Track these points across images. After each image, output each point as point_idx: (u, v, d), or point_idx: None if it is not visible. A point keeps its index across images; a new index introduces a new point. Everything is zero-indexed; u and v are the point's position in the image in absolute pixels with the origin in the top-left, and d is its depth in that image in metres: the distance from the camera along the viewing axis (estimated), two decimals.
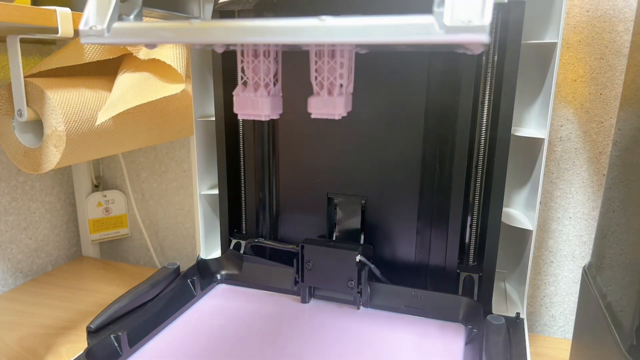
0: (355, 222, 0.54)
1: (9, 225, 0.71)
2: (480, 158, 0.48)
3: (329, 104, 0.35)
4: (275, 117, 0.39)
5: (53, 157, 0.51)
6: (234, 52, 0.38)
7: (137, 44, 0.32)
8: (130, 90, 0.54)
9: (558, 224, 0.62)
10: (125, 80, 0.56)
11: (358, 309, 0.51)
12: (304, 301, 0.53)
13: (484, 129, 0.48)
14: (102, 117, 0.51)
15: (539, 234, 0.63)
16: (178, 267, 0.54)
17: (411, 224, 0.52)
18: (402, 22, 0.25)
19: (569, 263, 0.63)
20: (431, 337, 0.46)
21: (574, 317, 0.63)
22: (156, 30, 0.30)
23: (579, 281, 0.49)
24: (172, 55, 0.55)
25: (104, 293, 0.71)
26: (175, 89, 0.55)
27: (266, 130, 0.55)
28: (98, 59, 0.55)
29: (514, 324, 0.47)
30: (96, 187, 0.83)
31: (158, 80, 0.57)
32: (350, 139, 0.52)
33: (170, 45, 0.55)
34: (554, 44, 0.45)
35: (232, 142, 0.57)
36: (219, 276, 0.57)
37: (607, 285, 0.41)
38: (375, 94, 0.50)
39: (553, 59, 0.45)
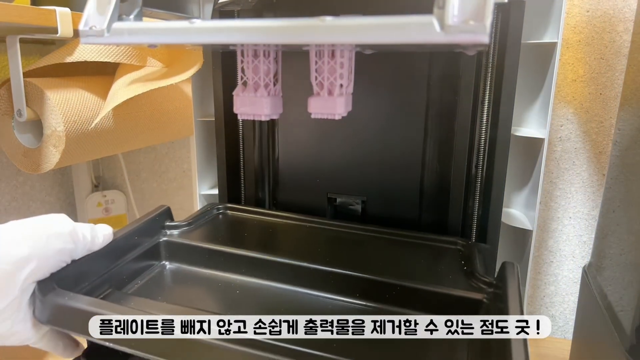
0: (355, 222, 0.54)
1: None
2: (480, 158, 0.48)
3: (329, 104, 0.35)
4: (276, 117, 0.39)
5: (52, 157, 0.51)
6: (234, 52, 0.38)
7: (137, 43, 0.32)
8: (134, 81, 0.54)
9: (558, 224, 0.62)
10: (127, 75, 0.56)
11: None
12: None
13: (484, 129, 0.48)
14: (107, 108, 0.51)
15: (539, 234, 0.63)
16: None
17: (411, 224, 0.52)
18: (403, 22, 0.25)
19: (569, 263, 0.63)
20: None
21: (574, 317, 0.63)
22: (156, 30, 0.30)
23: (579, 281, 0.49)
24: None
25: None
26: (186, 75, 0.55)
27: (266, 130, 0.55)
28: (96, 59, 0.55)
29: None
30: (96, 187, 0.83)
31: (164, 70, 0.57)
32: (350, 139, 0.52)
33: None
34: (554, 44, 0.45)
35: (232, 142, 0.57)
36: None
37: (607, 285, 0.41)
38: (376, 94, 0.50)
39: (553, 59, 0.45)
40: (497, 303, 0.34)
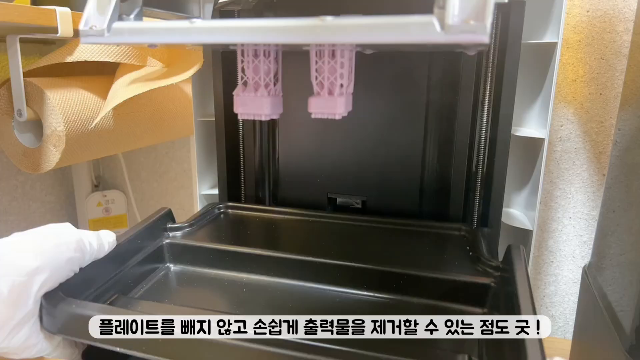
0: None
1: (9, 225, 0.71)
2: (481, 158, 0.48)
3: (330, 104, 0.35)
4: (276, 117, 0.39)
5: (52, 157, 0.51)
6: (234, 52, 0.38)
7: (138, 43, 0.32)
8: (134, 80, 0.54)
9: (558, 224, 0.62)
10: (127, 75, 0.56)
11: None
12: None
13: (484, 129, 0.48)
14: (107, 108, 0.51)
15: (539, 234, 0.63)
16: None
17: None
18: (403, 22, 0.25)
19: (569, 263, 0.63)
20: None
21: (574, 317, 0.63)
22: (156, 30, 0.30)
23: (579, 281, 0.49)
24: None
25: None
26: (186, 74, 0.55)
27: (266, 130, 0.55)
28: (96, 59, 0.55)
29: None
30: (96, 187, 0.83)
31: (164, 70, 0.57)
32: (350, 139, 0.52)
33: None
34: (554, 44, 0.45)
35: (232, 142, 0.57)
36: None
37: (607, 285, 0.41)
38: (376, 93, 0.50)
39: (553, 59, 0.45)
40: (506, 286, 0.34)
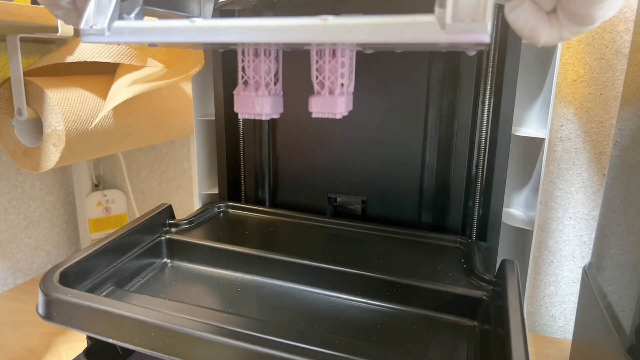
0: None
1: (8, 225, 0.71)
2: (481, 158, 0.48)
3: (330, 104, 0.35)
4: (276, 116, 0.39)
5: (52, 156, 0.51)
6: (234, 52, 0.38)
7: (138, 42, 0.32)
8: (135, 80, 0.54)
9: (558, 224, 0.62)
10: (127, 75, 0.56)
11: None
12: None
13: (484, 129, 0.48)
14: (107, 107, 0.51)
15: (539, 234, 0.63)
16: None
17: (411, 223, 0.52)
18: (403, 22, 0.25)
19: (569, 263, 0.63)
20: None
21: (574, 317, 0.63)
22: (157, 29, 0.30)
23: (579, 281, 0.49)
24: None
25: None
26: (187, 75, 0.55)
27: (266, 130, 0.55)
28: (96, 59, 0.55)
29: None
30: (96, 187, 0.83)
31: (164, 71, 0.57)
32: (350, 138, 0.52)
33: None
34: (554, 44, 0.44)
35: (232, 141, 0.57)
36: None
37: (607, 285, 0.41)
38: (376, 93, 0.50)
39: (553, 59, 0.45)
40: (497, 301, 0.34)
